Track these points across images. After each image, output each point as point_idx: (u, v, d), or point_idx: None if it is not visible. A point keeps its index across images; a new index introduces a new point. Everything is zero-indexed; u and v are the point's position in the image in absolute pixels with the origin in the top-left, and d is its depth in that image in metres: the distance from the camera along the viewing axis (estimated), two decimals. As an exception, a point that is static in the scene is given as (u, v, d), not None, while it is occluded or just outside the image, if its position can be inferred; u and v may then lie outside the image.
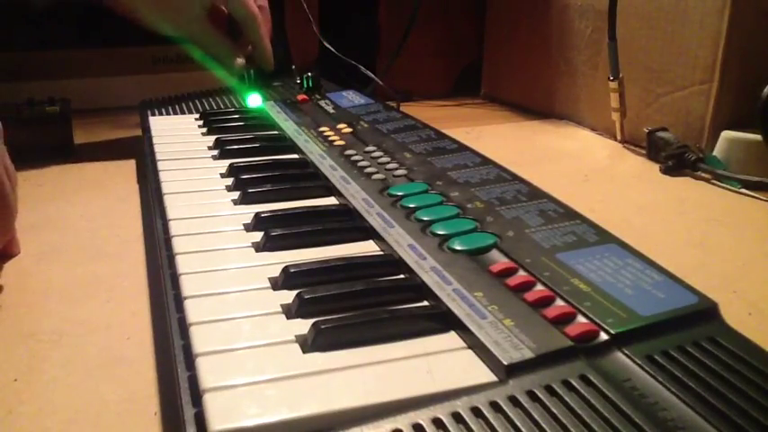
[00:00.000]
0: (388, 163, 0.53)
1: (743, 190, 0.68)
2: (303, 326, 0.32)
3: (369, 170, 0.51)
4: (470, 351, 0.30)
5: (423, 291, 0.35)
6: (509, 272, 0.35)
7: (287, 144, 0.62)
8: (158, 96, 0.85)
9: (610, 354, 0.29)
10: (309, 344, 0.30)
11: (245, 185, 0.50)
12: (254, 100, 0.79)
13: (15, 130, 0.70)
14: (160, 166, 0.56)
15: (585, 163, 0.80)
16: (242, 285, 0.36)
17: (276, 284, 0.36)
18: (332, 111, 0.72)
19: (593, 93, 0.91)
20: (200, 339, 0.31)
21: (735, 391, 0.26)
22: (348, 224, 0.44)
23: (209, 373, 0.28)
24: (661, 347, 0.28)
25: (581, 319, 0.30)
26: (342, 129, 0.64)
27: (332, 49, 0.95)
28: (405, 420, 0.25)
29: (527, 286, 0.33)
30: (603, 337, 0.29)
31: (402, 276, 0.37)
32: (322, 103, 0.75)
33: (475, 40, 1.16)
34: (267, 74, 0.84)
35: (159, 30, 0.66)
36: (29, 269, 0.50)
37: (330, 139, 0.61)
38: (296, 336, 0.31)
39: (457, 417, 0.25)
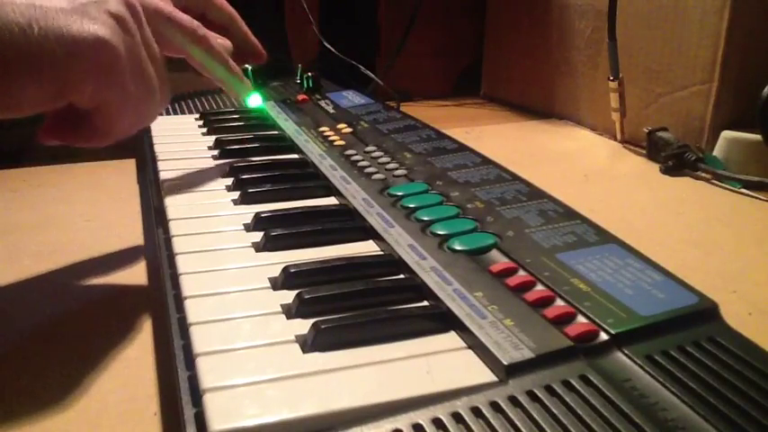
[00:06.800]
0: (388, 163, 0.53)
1: (743, 190, 0.68)
2: (303, 326, 0.32)
3: (369, 170, 0.51)
4: (470, 351, 0.30)
5: (423, 291, 0.35)
6: (509, 272, 0.35)
7: (287, 144, 0.62)
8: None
9: (610, 354, 0.29)
10: (309, 344, 0.30)
11: (245, 185, 0.50)
12: (254, 100, 0.79)
13: (15, 131, 0.70)
14: (160, 166, 0.56)
15: (585, 163, 0.80)
16: (242, 285, 0.36)
17: (276, 284, 0.36)
18: (332, 111, 0.72)
19: (593, 93, 0.91)
20: (201, 339, 0.31)
21: (735, 391, 0.26)
22: (348, 224, 0.44)
23: (209, 373, 0.28)
24: (661, 347, 0.28)
25: (581, 319, 0.30)
26: (342, 129, 0.63)
27: (332, 49, 0.95)
28: (405, 420, 0.25)
29: (527, 286, 0.33)
30: (603, 337, 0.29)
31: (402, 276, 0.37)
32: (322, 103, 0.75)
33: (475, 40, 1.16)
34: (267, 72, 0.84)
35: None
36: (29, 269, 0.50)
37: (330, 139, 0.61)
38: (296, 336, 0.31)
39: (457, 417, 0.25)
